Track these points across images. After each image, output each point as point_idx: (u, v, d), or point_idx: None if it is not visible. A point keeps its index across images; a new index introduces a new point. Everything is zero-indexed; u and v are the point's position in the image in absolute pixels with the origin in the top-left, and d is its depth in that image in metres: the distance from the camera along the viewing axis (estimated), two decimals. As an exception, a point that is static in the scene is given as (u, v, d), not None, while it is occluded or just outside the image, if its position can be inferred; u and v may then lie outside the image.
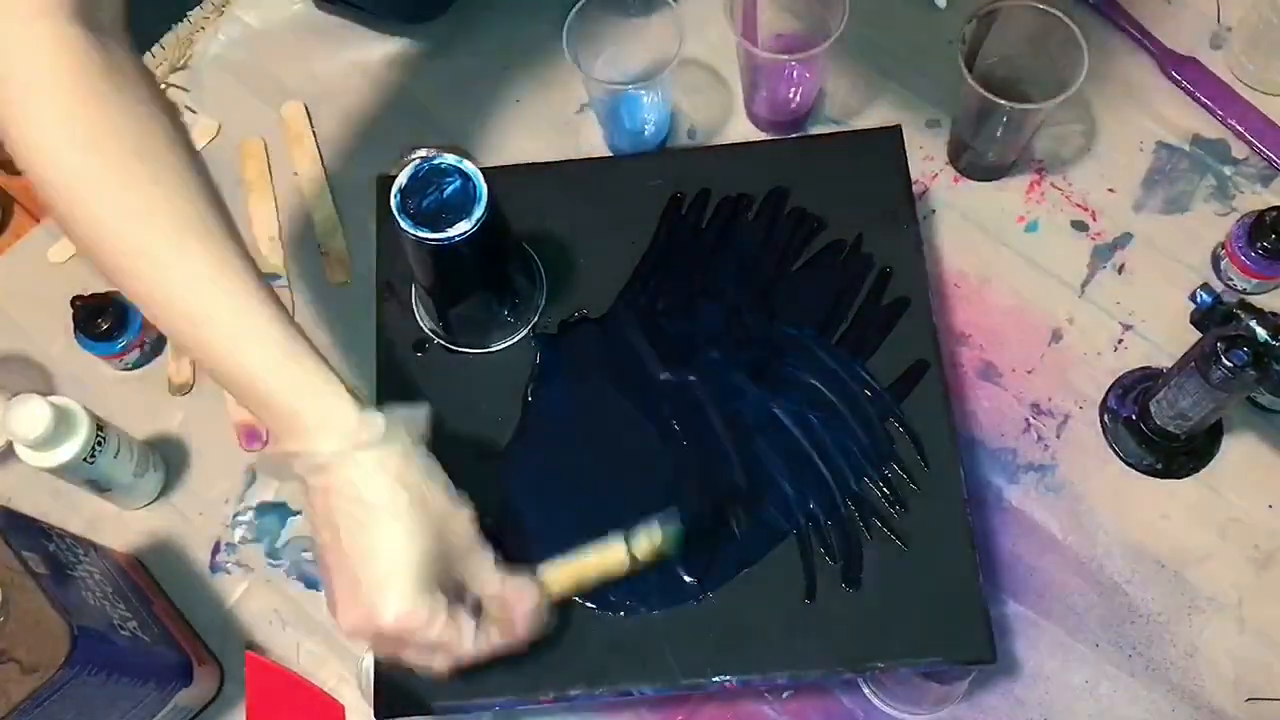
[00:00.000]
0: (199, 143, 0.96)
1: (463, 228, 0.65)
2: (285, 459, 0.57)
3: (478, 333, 0.76)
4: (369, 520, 0.56)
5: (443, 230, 0.65)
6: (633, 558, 0.64)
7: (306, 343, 0.57)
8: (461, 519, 0.60)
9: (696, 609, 0.68)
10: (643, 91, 0.87)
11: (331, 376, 0.56)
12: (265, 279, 0.57)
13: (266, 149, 0.96)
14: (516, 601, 0.61)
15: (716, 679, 0.66)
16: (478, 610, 0.61)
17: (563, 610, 0.67)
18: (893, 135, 0.80)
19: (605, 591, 0.68)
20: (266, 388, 0.55)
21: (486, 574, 0.61)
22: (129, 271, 0.55)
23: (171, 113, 0.57)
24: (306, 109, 0.97)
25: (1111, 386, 0.84)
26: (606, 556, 0.64)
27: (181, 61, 1.00)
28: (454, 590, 0.59)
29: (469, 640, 0.58)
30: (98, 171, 0.53)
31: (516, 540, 0.70)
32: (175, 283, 0.55)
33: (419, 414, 0.60)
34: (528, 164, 0.82)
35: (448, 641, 0.57)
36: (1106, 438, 0.82)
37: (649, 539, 0.64)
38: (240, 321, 0.55)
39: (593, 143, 0.94)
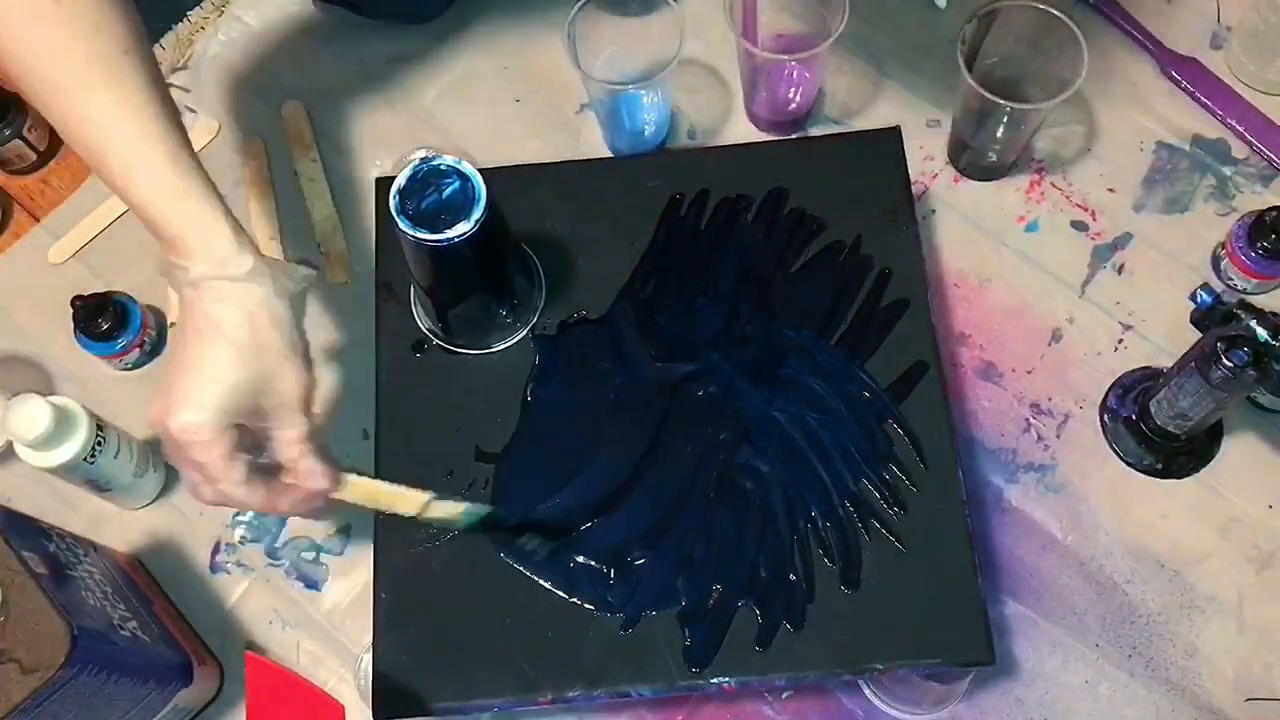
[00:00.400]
0: (199, 142, 0.96)
1: (462, 229, 0.65)
2: (169, 267, 0.62)
3: (477, 333, 0.76)
4: (207, 336, 0.60)
5: (441, 231, 0.65)
6: (424, 512, 0.66)
7: (199, 177, 0.62)
8: (294, 376, 0.62)
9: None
10: (643, 91, 0.86)
11: (215, 212, 0.61)
12: (175, 118, 0.62)
13: (266, 149, 0.96)
14: (301, 479, 0.63)
15: (715, 680, 0.67)
16: (276, 470, 0.64)
17: (560, 612, 0.68)
18: (893, 135, 0.80)
19: (604, 593, 0.69)
20: (157, 215, 0.61)
21: (290, 438, 0.62)
22: (43, 104, 0.62)
23: None
24: (306, 109, 0.97)
25: (1111, 386, 0.84)
26: (405, 497, 0.66)
27: (181, 61, 1.00)
28: (255, 436, 0.63)
29: (235, 485, 0.61)
30: (15, 14, 0.60)
31: (513, 539, 0.71)
32: (80, 116, 0.61)
33: (295, 271, 0.64)
34: (528, 164, 0.82)
35: (215, 474, 0.60)
36: (1106, 438, 0.82)
37: (447, 510, 0.67)
38: (134, 154, 0.61)
39: (593, 143, 0.94)
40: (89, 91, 0.60)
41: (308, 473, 0.63)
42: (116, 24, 0.61)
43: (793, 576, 0.68)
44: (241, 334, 0.60)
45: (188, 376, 0.60)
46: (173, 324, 0.90)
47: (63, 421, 0.74)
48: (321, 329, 0.89)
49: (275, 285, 0.62)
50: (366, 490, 0.66)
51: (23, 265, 0.94)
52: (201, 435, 0.59)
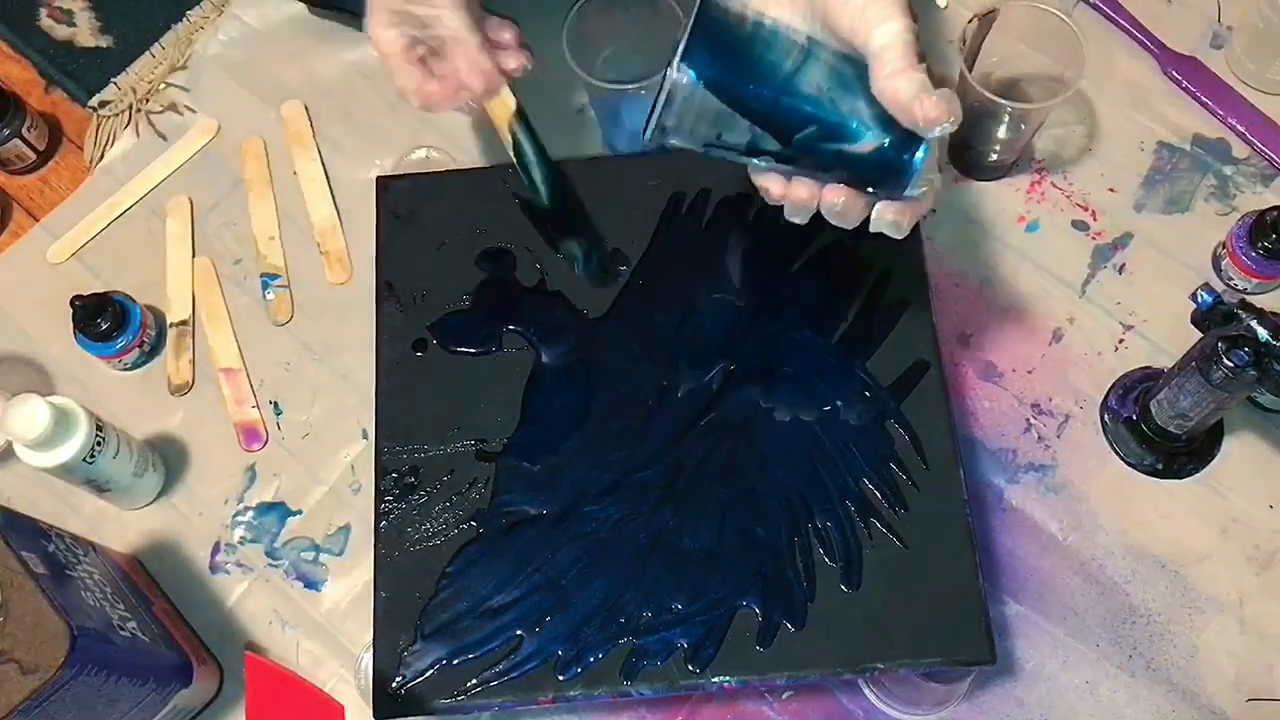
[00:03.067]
0: (198, 142, 0.96)
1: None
2: None
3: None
4: None
5: None
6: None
7: None
8: None
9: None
10: (643, 91, 0.86)
11: None
12: None
13: (266, 149, 0.96)
14: (461, 56, 0.71)
15: (716, 679, 0.66)
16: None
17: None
18: (893, 135, 0.79)
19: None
20: None
21: (446, 26, 0.70)
22: None
23: None
24: (306, 109, 0.96)
25: (1112, 386, 0.84)
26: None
27: (181, 61, 1.00)
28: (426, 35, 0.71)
29: (409, 81, 0.71)
30: None
31: (514, 540, 0.71)
32: None
33: None
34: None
35: (397, 76, 0.71)
36: (1107, 438, 0.82)
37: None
38: None
39: (593, 143, 0.94)
40: None
41: (466, 50, 0.71)
42: None
43: (793, 576, 0.68)
44: None
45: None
46: (173, 325, 0.90)
47: (62, 421, 0.74)
48: (322, 329, 0.89)
49: None
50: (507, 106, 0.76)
51: (22, 265, 0.94)
52: (381, 51, 0.71)
